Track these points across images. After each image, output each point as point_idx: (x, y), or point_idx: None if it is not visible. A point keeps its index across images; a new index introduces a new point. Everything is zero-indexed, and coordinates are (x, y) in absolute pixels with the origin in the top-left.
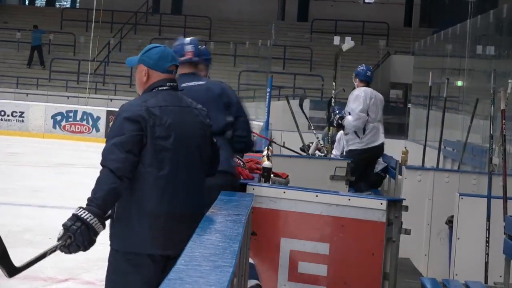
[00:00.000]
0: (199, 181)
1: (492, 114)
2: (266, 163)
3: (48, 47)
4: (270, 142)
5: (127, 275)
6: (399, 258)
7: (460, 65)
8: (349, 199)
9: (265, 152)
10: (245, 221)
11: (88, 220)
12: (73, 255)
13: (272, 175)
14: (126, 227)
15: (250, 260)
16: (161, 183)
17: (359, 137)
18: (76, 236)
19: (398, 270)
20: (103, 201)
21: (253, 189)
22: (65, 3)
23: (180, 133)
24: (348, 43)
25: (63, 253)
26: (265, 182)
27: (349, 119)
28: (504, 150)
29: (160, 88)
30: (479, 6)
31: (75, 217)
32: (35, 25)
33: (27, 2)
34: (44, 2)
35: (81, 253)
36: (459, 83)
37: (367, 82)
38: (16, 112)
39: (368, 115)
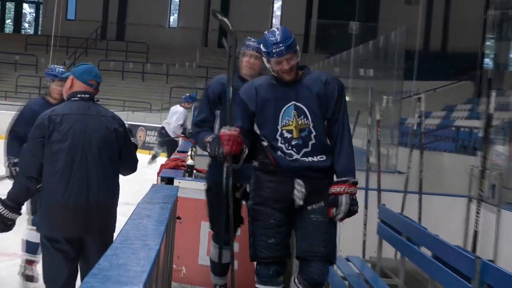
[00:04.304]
0: (102, 177)
1: (369, 124)
2: (189, 161)
3: (14, 66)
4: (194, 144)
5: (48, 248)
6: None
7: (346, 84)
8: None
9: (189, 152)
10: (171, 208)
11: None
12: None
13: (194, 171)
14: (39, 214)
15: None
16: (55, 179)
17: None
18: None
19: None
20: (15, 195)
21: (179, 182)
22: (29, 30)
23: (78, 137)
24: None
25: None
26: (189, 176)
27: None
28: (379, 152)
29: (72, 99)
30: (362, 37)
31: None
32: None
33: None
34: (12, 29)
35: None
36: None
37: None
38: None
39: None
